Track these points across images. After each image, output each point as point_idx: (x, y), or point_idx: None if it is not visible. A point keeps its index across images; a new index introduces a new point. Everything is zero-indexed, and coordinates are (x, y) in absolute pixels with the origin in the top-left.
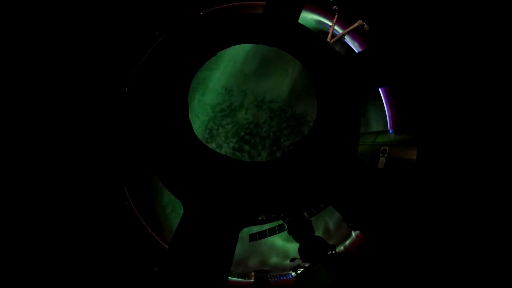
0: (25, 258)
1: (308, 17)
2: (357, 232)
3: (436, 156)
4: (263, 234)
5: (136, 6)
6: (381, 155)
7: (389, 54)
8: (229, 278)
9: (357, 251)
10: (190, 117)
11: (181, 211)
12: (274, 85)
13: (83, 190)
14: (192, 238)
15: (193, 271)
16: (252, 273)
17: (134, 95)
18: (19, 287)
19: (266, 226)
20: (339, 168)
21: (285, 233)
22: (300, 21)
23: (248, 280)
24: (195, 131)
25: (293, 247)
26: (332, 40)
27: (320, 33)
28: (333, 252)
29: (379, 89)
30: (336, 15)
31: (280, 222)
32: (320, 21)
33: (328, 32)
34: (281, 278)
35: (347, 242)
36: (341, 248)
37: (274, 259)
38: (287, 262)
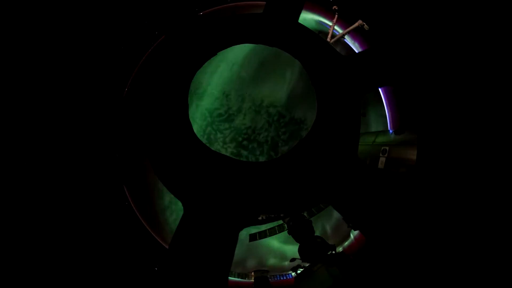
0: (25, 258)
1: (308, 17)
2: (356, 234)
3: (436, 156)
4: (263, 234)
5: (136, 6)
6: (381, 155)
7: (389, 54)
8: (229, 278)
9: (356, 253)
10: None
11: (181, 211)
12: (272, 90)
13: (83, 190)
14: (192, 238)
15: (193, 271)
16: (252, 273)
17: (134, 95)
18: (19, 287)
19: (266, 226)
20: (339, 168)
21: (281, 235)
22: (300, 21)
23: (248, 280)
24: None
25: (290, 249)
26: (332, 40)
27: (320, 33)
28: (333, 252)
29: (379, 89)
30: (336, 15)
31: (280, 222)
32: (320, 21)
33: (328, 32)
34: (281, 278)
35: (346, 244)
36: (339, 249)
37: (271, 261)
38: (285, 263)
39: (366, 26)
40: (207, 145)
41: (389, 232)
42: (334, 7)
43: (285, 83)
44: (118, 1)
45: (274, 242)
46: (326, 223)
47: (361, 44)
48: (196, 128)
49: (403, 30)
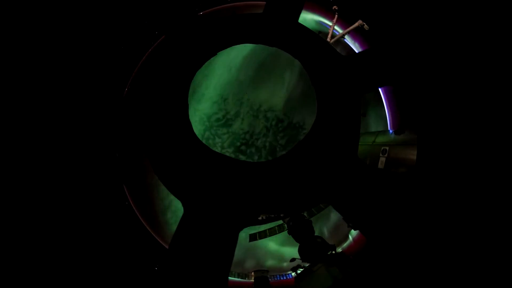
0: (25, 258)
1: (308, 17)
2: (355, 235)
3: (436, 156)
4: (263, 234)
5: (136, 6)
6: (381, 155)
7: (389, 54)
8: (229, 278)
9: (354, 254)
10: None
11: (181, 211)
12: (271, 94)
13: (84, 189)
14: (192, 238)
15: (193, 271)
16: (252, 273)
17: (134, 95)
18: (19, 287)
19: (265, 226)
20: (339, 168)
21: (279, 237)
22: (300, 21)
23: (248, 280)
24: None
25: (288, 250)
26: (332, 40)
27: (320, 33)
28: (333, 252)
29: (379, 89)
30: (336, 15)
31: (280, 222)
32: (320, 21)
33: (328, 32)
34: (281, 278)
35: (344, 245)
36: (339, 249)
37: (270, 262)
38: (284, 264)
39: (366, 26)
40: None
41: (389, 231)
42: (334, 7)
43: (283, 87)
44: (118, 1)
45: (272, 244)
46: (323, 226)
47: (361, 44)
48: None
49: (403, 30)
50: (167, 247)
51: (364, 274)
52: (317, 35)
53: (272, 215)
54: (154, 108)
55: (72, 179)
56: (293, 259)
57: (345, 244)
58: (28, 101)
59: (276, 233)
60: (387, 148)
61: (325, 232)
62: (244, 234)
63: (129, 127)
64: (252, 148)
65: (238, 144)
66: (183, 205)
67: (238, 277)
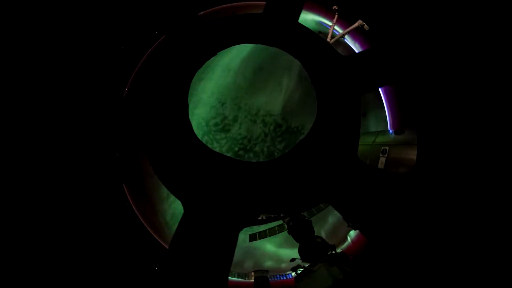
0: (24, 258)
1: (308, 18)
2: (353, 237)
3: (436, 156)
4: (263, 234)
5: (136, 6)
6: (381, 155)
7: (389, 54)
8: (229, 278)
9: (353, 256)
10: None
11: (181, 211)
12: (269, 98)
13: (84, 189)
14: (192, 238)
15: (193, 271)
16: (252, 273)
17: (135, 95)
18: (19, 287)
19: (265, 226)
20: (339, 168)
21: (276, 239)
22: (300, 21)
23: (248, 280)
24: None
25: (285, 252)
26: (332, 40)
27: (320, 33)
28: (333, 252)
29: (379, 89)
30: (336, 15)
31: (280, 222)
32: (320, 21)
33: (328, 32)
34: (281, 278)
35: (343, 247)
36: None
37: (268, 263)
38: (282, 265)
39: (366, 26)
40: None
41: (389, 231)
42: (334, 7)
43: (281, 91)
44: (118, 1)
45: (269, 247)
46: (321, 229)
47: (361, 44)
48: None
49: (403, 30)
50: (167, 247)
51: (364, 274)
52: (317, 35)
53: (272, 215)
54: (154, 108)
55: (71, 178)
56: (293, 259)
57: (343, 246)
58: (28, 101)
59: (276, 233)
60: (387, 148)
61: (323, 235)
62: (242, 236)
63: (129, 127)
64: (251, 153)
65: (236, 149)
66: (183, 205)
67: (238, 277)
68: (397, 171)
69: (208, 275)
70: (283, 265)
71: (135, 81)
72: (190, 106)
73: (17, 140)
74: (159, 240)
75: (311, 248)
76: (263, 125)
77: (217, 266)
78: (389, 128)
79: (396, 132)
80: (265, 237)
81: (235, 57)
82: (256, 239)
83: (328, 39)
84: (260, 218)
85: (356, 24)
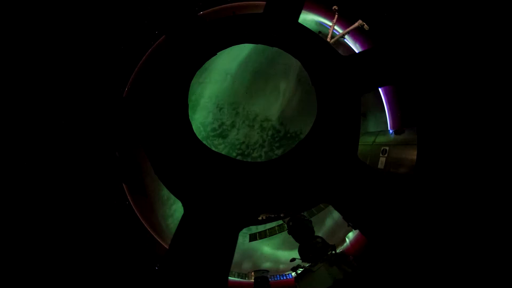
0: (25, 258)
1: (308, 18)
2: (352, 239)
3: (436, 156)
4: (263, 234)
5: (136, 6)
6: (381, 155)
7: (389, 54)
8: (229, 278)
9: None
10: None
11: (181, 211)
12: (266, 103)
13: (83, 189)
14: (192, 238)
15: (193, 271)
16: (252, 273)
17: (135, 95)
18: (19, 287)
19: (264, 227)
20: (339, 168)
21: (274, 241)
22: (300, 21)
23: (248, 280)
24: None
25: (283, 254)
26: (332, 40)
27: (320, 33)
28: (333, 252)
29: (379, 89)
30: (336, 15)
31: (280, 222)
32: (320, 21)
33: (328, 32)
34: (281, 278)
35: (341, 248)
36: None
37: (266, 265)
38: (280, 266)
39: (366, 26)
40: None
41: (389, 231)
42: (334, 7)
43: (279, 95)
44: (118, 1)
45: (266, 249)
46: (319, 231)
47: (361, 44)
48: None
49: (403, 30)
50: (167, 247)
51: (364, 274)
52: (317, 35)
53: (272, 215)
54: (154, 108)
55: (71, 178)
56: (293, 259)
57: (342, 247)
58: (28, 101)
59: (276, 233)
60: (387, 148)
61: (322, 235)
62: (240, 239)
63: (129, 127)
64: (248, 159)
65: (234, 154)
66: (183, 205)
67: (238, 277)
68: (397, 171)
69: (208, 275)
70: (281, 266)
71: (135, 81)
72: (189, 110)
73: (17, 140)
74: (159, 240)
75: (311, 248)
76: (261, 130)
77: (217, 266)
78: (389, 128)
79: (396, 132)
80: (265, 237)
81: (232, 61)
82: (256, 239)
83: (328, 39)
84: (260, 218)
85: (356, 24)
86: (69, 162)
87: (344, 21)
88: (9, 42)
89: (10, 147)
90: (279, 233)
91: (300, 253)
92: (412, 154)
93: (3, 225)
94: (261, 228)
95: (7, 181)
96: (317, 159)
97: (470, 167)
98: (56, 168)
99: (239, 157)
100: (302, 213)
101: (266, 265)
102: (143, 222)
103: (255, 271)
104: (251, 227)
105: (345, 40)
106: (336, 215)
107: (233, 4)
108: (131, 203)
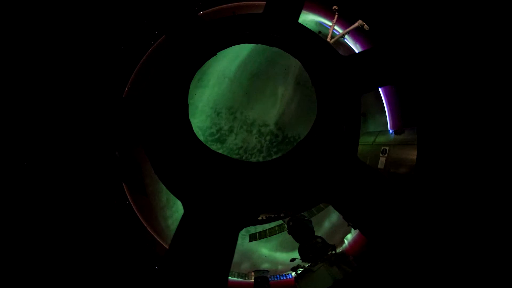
0: (24, 258)
1: (308, 18)
2: (350, 240)
3: (436, 156)
4: (263, 234)
5: (136, 6)
6: (381, 155)
7: (389, 54)
8: (229, 278)
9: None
10: None
11: (181, 211)
12: (265, 107)
13: (84, 189)
14: (192, 238)
15: (193, 271)
16: (252, 273)
17: (135, 95)
18: (18, 287)
19: (263, 227)
20: (339, 168)
21: (271, 242)
22: (300, 21)
23: (248, 280)
24: None
25: (283, 254)
26: (332, 40)
27: (320, 33)
28: (333, 252)
29: (379, 89)
30: (336, 15)
31: (280, 222)
32: (320, 21)
33: (328, 32)
34: (281, 278)
35: (341, 248)
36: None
37: (265, 266)
38: (279, 267)
39: (366, 26)
40: None
41: (389, 231)
42: (334, 7)
43: (277, 99)
44: (118, 1)
45: (264, 250)
46: (319, 231)
47: (361, 44)
48: None
49: (403, 30)
50: (167, 247)
51: (364, 274)
52: (317, 35)
53: (272, 215)
54: (154, 108)
55: (71, 178)
56: (293, 259)
57: (341, 249)
58: (28, 101)
59: (276, 233)
60: (387, 148)
61: (322, 235)
62: (240, 239)
63: (129, 127)
64: None
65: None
66: (183, 205)
67: (238, 277)
68: (397, 171)
69: (208, 275)
70: (280, 267)
71: (135, 81)
72: None
73: (17, 140)
74: (159, 240)
75: (311, 248)
76: (259, 135)
77: (217, 266)
78: (389, 128)
79: (396, 132)
80: (265, 237)
81: (230, 63)
82: (256, 239)
83: (328, 39)
84: (260, 218)
85: (356, 24)
86: (69, 162)
87: (344, 21)
88: (9, 42)
89: (10, 147)
90: (279, 233)
91: (300, 253)
92: (412, 154)
93: (3, 225)
94: (260, 228)
95: (7, 181)
96: (317, 158)
97: (471, 167)
98: (56, 168)
99: None
100: (302, 213)
101: (266, 265)
102: (143, 222)
103: (255, 271)
104: (251, 227)
105: (345, 40)
106: (336, 215)
107: (233, 4)
108: (131, 203)
